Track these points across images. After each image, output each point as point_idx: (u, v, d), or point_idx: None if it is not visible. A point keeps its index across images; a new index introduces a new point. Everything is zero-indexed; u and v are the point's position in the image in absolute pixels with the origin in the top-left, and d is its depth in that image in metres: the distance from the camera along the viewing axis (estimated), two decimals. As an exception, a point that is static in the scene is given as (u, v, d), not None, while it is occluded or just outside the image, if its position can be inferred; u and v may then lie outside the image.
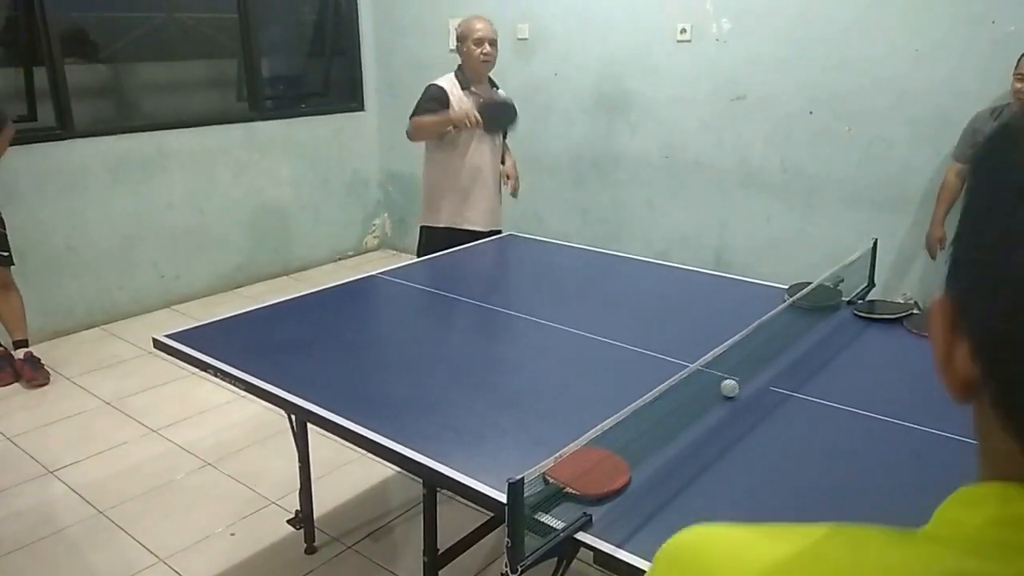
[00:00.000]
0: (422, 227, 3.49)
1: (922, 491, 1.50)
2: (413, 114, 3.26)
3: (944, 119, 3.58)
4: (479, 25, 3.29)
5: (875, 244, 2.65)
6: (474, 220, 3.41)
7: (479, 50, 3.27)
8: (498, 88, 3.46)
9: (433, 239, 3.38)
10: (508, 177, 3.55)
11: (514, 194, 3.46)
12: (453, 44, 5.05)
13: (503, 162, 3.56)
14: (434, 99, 3.23)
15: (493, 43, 3.30)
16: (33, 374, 3.76)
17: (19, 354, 3.82)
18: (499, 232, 3.50)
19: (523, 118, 4.93)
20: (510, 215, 4.92)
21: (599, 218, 4.92)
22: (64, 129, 4.23)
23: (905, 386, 1.96)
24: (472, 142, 3.31)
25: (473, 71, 3.32)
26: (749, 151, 4.23)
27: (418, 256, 3.38)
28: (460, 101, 3.24)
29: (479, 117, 3.16)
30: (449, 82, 3.30)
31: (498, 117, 3.29)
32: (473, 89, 3.31)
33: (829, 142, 3.96)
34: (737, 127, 4.24)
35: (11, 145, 4.00)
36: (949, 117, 3.54)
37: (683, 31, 4.27)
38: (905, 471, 1.57)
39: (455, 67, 3.40)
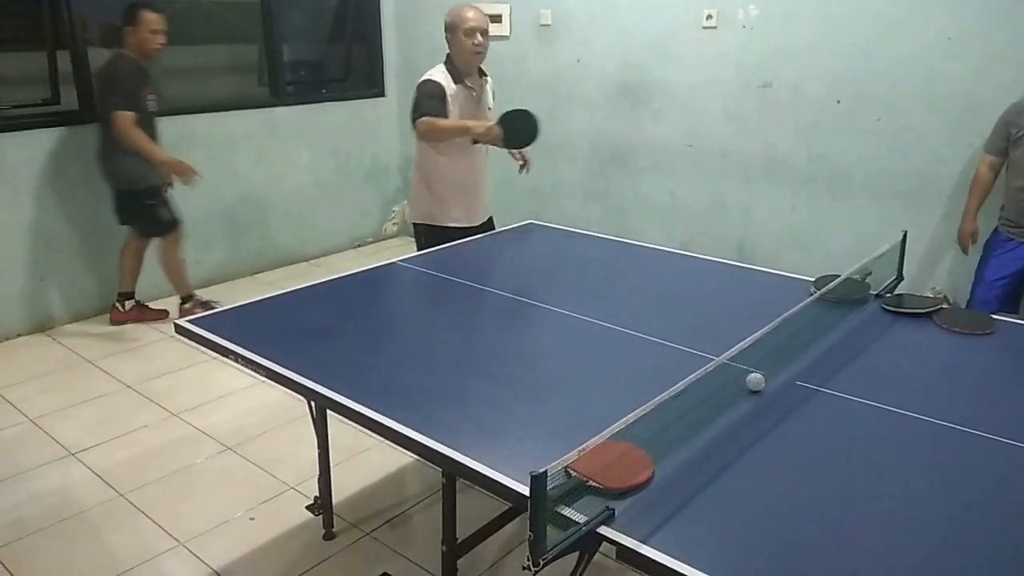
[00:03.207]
0: (416, 224, 3.38)
1: (952, 490, 1.47)
2: (419, 112, 3.09)
3: (976, 110, 3.50)
4: (470, 14, 3.11)
5: (904, 237, 2.60)
6: (465, 218, 3.32)
7: (470, 41, 3.09)
8: (488, 77, 3.32)
9: (431, 236, 3.28)
10: (523, 155, 3.43)
11: (527, 171, 3.35)
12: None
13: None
14: (436, 96, 3.08)
15: (485, 33, 3.13)
16: (154, 314, 4.36)
17: (128, 304, 4.36)
18: (490, 218, 3.46)
19: (545, 105, 4.94)
20: (530, 203, 4.90)
21: (621, 207, 4.87)
22: (87, 112, 4.24)
23: (934, 382, 1.92)
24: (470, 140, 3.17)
25: (464, 63, 3.15)
26: (775, 140, 4.17)
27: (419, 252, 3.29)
28: (454, 96, 3.12)
29: (501, 130, 3.01)
30: (442, 76, 3.14)
31: (519, 131, 3.07)
32: (467, 83, 3.17)
33: (857, 132, 3.89)
34: (763, 116, 4.17)
35: (33, 128, 4.04)
36: (981, 108, 3.47)
37: (709, 17, 4.21)
38: (933, 469, 1.54)
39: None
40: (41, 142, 4.08)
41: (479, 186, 3.38)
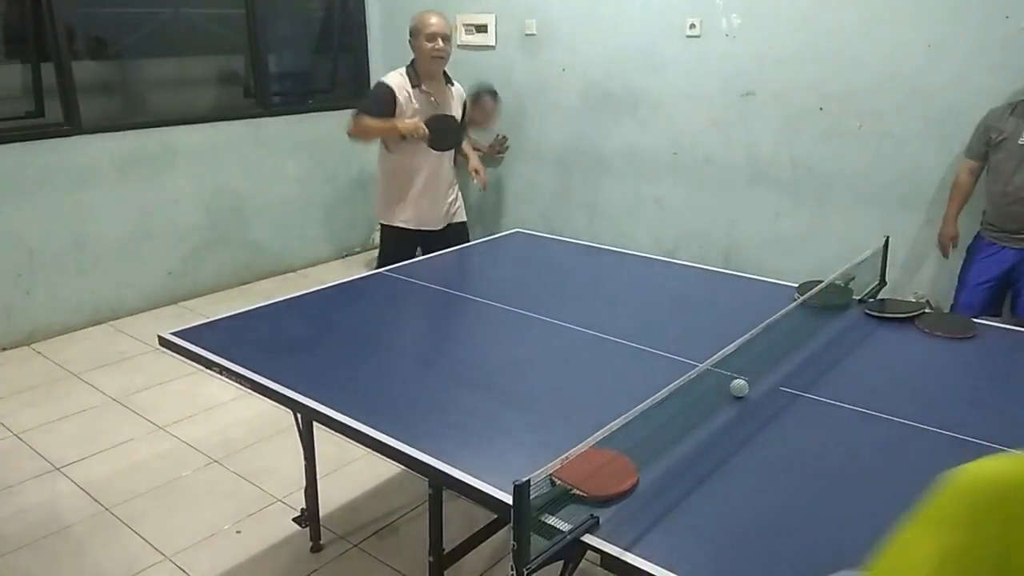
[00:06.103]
0: (380, 224, 3.47)
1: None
2: (358, 112, 3.20)
3: (956, 115, 3.53)
4: (432, 20, 3.19)
5: (887, 242, 2.62)
6: (427, 221, 3.39)
7: (431, 45, 3.17)
8: (453, 83, 3.37)
9: (390, 237, 3.36)
10: (477, 172, 3.54)
11: (484, 188, 3.46)
12: (460, 41, 5.04)
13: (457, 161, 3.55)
14: (380, 97, 3.18)
15: (447, 39, 3.21)
16: None
17: None
18: (462, 223, 3.49)
19: (531, 113, 4.97)
20: (516, 211, 4.91)
21: (607, 215, 4.89)
22: (72, 125, 4.22)
23: (917, 387, 1.93)
24: (423, 144, 3.27)
25: (424, 67, 3.24)
26: (759, 148, 4.20)
27: (379, 253, 3.38)
28: (408, 100, 3.18)
29: (427, 131, 3.14)
30: (399, 79, 3.22)
31: (445, 133, 3.22)
32: (424, 87, 3.23)
33: (840, 139, 3.92)
34: (747, 124, 4.20)
35: (20, 141, 4.03)
36: (961, 113, 3.50)
37: (692, 26, 4.24)
38: (915, 473, 1.54)
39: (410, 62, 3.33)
40: (25, 155, 4.06)
41: (436, 190, 3.39)
